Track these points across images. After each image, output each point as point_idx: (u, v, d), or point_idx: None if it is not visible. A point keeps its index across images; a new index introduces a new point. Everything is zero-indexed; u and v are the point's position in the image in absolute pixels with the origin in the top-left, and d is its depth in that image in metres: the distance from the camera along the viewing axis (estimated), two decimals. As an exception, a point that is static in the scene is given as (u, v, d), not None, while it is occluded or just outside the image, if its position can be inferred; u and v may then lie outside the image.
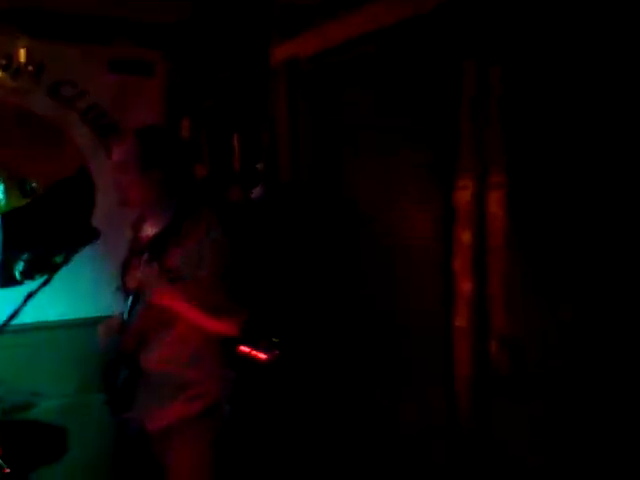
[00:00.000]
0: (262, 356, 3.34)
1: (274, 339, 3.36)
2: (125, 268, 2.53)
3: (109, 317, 2.55)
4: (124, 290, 2.51)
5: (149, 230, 2.46)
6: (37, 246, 3.62)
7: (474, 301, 2.40)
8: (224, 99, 3.89)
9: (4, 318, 2.15)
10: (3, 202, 3.59)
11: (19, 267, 3.61)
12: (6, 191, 3.59)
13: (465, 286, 2.40)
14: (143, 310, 2.32)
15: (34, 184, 3.65)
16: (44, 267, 2.15)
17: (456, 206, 2.40)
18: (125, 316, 2.39)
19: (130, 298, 2.39)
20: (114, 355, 2.42)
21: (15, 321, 2.11)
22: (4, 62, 2.72)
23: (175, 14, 3.71)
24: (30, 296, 2.09)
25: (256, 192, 3.40)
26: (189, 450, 2.36)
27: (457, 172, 2.38)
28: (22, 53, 2.68)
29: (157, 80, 3.91)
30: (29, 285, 3.52)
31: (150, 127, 2.54)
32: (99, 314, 3.32)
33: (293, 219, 3.29)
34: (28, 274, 3.56)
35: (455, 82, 2.36)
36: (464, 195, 2.37)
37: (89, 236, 2.33)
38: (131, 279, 2.44)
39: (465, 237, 2.38)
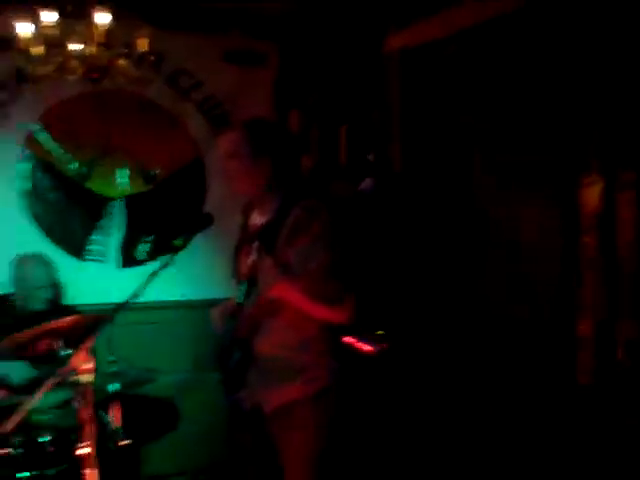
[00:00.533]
0: (367, 348, 3.33)
1: (379, 332, 3.34)
2: (237, 254, 2.60)
3: (223, 301, 2.63)
4: (236, 275, 2.58)
5: (258, 219, 2.50)
6: (159, 228, 3.80)
7: (600, 308, 2.29)
8: (333, 91, 3.89)
9: (126, 296, 2.25)
10: (125, 187, 3.78)
11: (144, 248, 3.81)
12: (128, 177, 3.78)
13: (590, 291, 2.29)
14: (256, 298, 2.38)
15: (157, 171, 3.82)
16: (165, 249, 2.23)
17: (582, 205, 2.29)
18: (239, 301, 2.46)
19: (243, 284, 2.46)
20: (228, 337, 2.50)
21: (137, 300, 2.21)
22: (126, 51, 2.83)
23: (287, 5, 3.74)
24: (153, 276, 2.18)
25: (365, 183, 3.38)
26: (303, 431, 2.39)
27: (584, 168, 2.26)
28: (144, 42, 2.78)
29: (269, 71, 3.99)
30: (147, 266, 3.74)
31: (257, 119, 2.58)
32: (213, 296, 3.47)
33: (405, 211, 3.25)
34: (151, 255, 3.75)
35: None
36: (591, 193, 2.25)
37: (205, 221, 2.40)
38: (243, 265, 2.50)
39: (591, 240, 2.27)
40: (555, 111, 2.45)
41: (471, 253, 2.91)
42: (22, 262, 3.19)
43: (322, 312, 2.35)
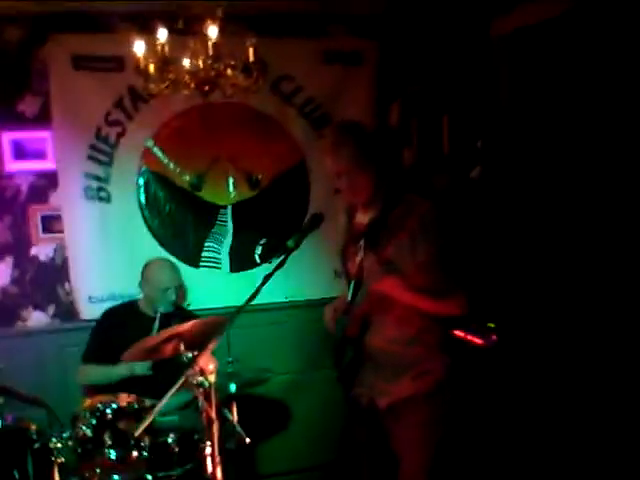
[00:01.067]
0: (478, 341, 3.27)
1: (490, 324, 3.28)
2: (344, 254, 2.62)
3: (334, 299, 2.65)
4: (346, 275, 2.60)
5: (362, 217, 2.52)
6: (268, 232, 3.90)
7: None
8: (433, 81, 3.85)
9: (239, 300, 2.31)
10: (233, 195, 3.90)
11: (257, 251, 3.91)
12: (235, 184, 3.90)
13: None
14: (366, 296, 2.39)
15: (260, 176, 3.92)
16: (277, 251, 2.28)
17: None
18: (349, 300, 2.48)
19: (352, 283, 2.47)
20: (340, 336, 2.52)
21: (252, 302, 2.27)
22: (232, 62, 2.90)
23: (382, 1, 3.72)
24: (268, 278, 2.24)
25: (476, 172, 3.31)
26: (417, 428, 2.41)
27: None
28: (251, 52, 2.84)
29: (367, 68, 3.98)
30: (257, 270, 3.84)
31: (358, 127, 2.58)
32: (321, 296, 3.52)
33: (516, 199, 3.17)
34: (265, 257, 3.85)
35: None
36: None
37: (316, 221, 2.44)
38: (352, 265, 2.52)
39: None
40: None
41: (582, 243, 2.79)
42: (152, 264, 3.38)
43: (430, 305, 2.35)
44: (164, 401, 2.15)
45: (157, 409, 2.20)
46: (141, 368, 3.05)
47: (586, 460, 2.81)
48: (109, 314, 3.38)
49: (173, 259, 3.74)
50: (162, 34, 2.76)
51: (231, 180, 3.88)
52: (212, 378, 2.19)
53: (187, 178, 3.81)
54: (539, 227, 3.06)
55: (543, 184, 3.05)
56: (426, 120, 3.92)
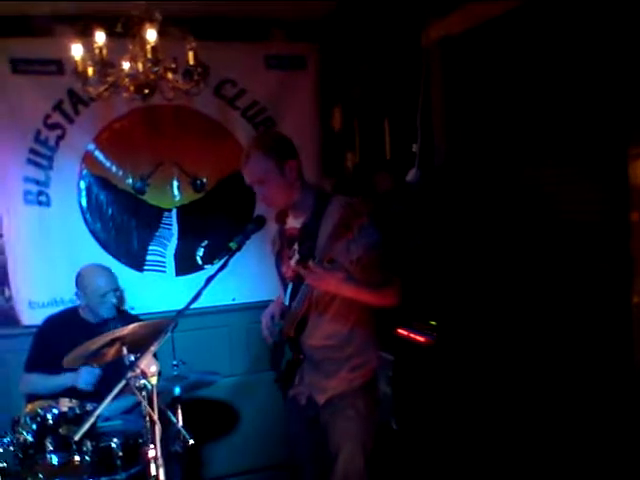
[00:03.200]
0: (420, 339, 3.35)
1: (432, 322, 3.36)
2: (279, 259, 2.67)
3: (269, 304, 2.70)
4: (281, 278, 2.65)
5: (293, 222, 2.58)
6: (212, 234, 3.90)
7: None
8: (373, 85, 3.92)
9: (181, 302, 2.33)
10: (178, 197, 3.90)
11: (199, 253, 3.91)
12: (180, 187, 3.89)
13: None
14: (303, 297, 2.44)
15: (204, 180, 3.92)
16: (220, 253, 2.30)
17: (630, 178, 2.27)
18: (286, 303, 2.53)
19: (289, 286, 2.52)
20: (278, 338, 2.57)
21: (193, 305, 2.29)
22: (173, 65, 2.91)
23: (325, 6, 3.78)
24: (210, 280, 2.25)
25: (411, 174, 3.40)
26: (355, 419, 2.48)
27: (631, 139, 2.23)
28: (191, 55, 2.86)
29: (310, 73, 4.04)
30: (203, 273, 3.84)
31: (261, 133, 2.62)
32: (266, 298, 3.54)
33: (450, 200, 3.26)
34: (208, 259, 3.85)
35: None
36: (638, 166, 2.23)
37: (259, 223, 2.47)
38: (287, 269, 2.58)
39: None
40: (600, 84, 2.43)
41: (519, 239, 2.91)
42: (85, 272, 3.33)
43: (370, 297, 2.42)
44: (104, 404, 2.14)
45: (97, 412, 2.19)
46: (84, 382, 3.03)
47: (524, 454, 2.90)
48: (50, 322, 3.33)
49: (117, 263, 3.72)
50: (100, 37, 2.75)
51: (175, 183, 3.88)
52: (154, 381, 2.19)
53: (130, 181, 3.79)
54: (476, 227, 3.16)
55: (480, 185, 3.15)
56: (368, 123, 3.99)
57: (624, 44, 2.29)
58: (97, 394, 2.83)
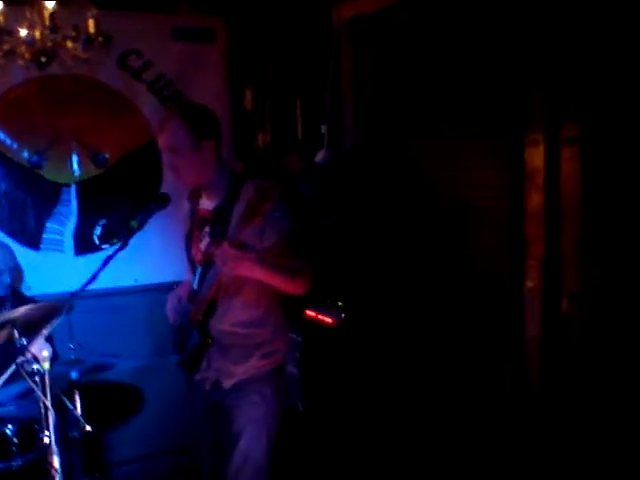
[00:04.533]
0: (328, 320, 3.39)
1: (339, 303, 3.39)
2: (188, 240, 2.61)
3: (176, 286, 2.63)
4: (190, 261, 2.59)
5: (206, 203, 2.52)
6: (113, 212, 3.76)
7: (545, 262, 2.37)
8: (285, 65, 3.89)
9: (82, 283, 2.24)
10: (78, 173, 3.72)
11: (97, 232, 3.76)
12: (80, 162, 3.72)
13: (536, 249, 2.37)
14: (213, 280, 2.40)
15: (106, 155, 3.77)
16: (120, 232, 2.22)
17: (526, 164, 2.35)
18: (195, 286, 2.47)
19: (198, 269, 2.47)
20: (185, 321, 2.51)
21: (93, 286, 2.20)
22: (73, 34, 2.77)
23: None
24: (108, 260, 2.18)
25: (319, 156, 3.40)
26: (261, 404, 2.48)
27: (527, 126, 2.31)
28: (91, 24, 2.73)
29: (219, 47, 3.94)
30: (104, 252, 3.70)
31: (190, 103, 2.55)
32: (171, 279, 3.46)
33: (357, 182, 3.29)
34: (106, 239, 3.71)
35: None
36: (535, 152, 2.31)
37: (162, 201, 2.40)
38: (196, 251, 2.52)
39: (536, 199, 2.33)
40: (497, 68, 2.50)
41: (422, 221, 2.97)
42: None
43: (283, 283, 2.40)
44: (-6, 390, 2.04)
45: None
46: None
47: (427, 434, 2.99)
48: None
49: (11, 241, 3.52)
50: (-5, 3, 2.59)
51: (75, 158, 3.70)
52: (46, 365, 2.10)
53: (26, 155, 3.59)
54: (384, 210, 3.20)
55: (386, 167, 3.19)
56: (279, 104, 3.96)
57: (525, 30, 2.36)
58: None
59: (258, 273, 2.33)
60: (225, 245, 2.25)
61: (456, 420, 2.88)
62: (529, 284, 2.43)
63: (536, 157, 2.31)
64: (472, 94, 2.62)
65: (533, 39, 2.31)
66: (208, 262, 2.40)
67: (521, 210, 2.40)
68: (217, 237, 2.36)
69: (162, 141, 2.42)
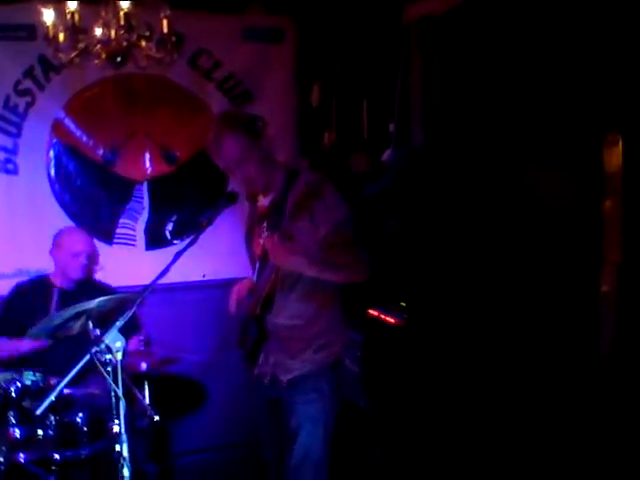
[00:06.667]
0: (391, 320, 3.36)
1: (402, 303, 3.37)
2: (249, 237, 2.66)
3: (239, 281, 2.67)
4: (251, 256, 2.62)
5: (263, 200, 2.56)
6: (183, 209, 3.84)
7: (621, 267, 2.29)
8: (352, 63, 3.88)
9: (151, 277, 2.29)
10: (150, 170, 3.82)
11: (169, 228, 3.85)
12: (152, 160, 3.82)
13: (613, 253, 2.29)
14: (269, 275, 2.43)
15: (177, 152, 3.85)
16: (190, 228, 2.27)
17: (604, 166, 2.27)
18: (255, 280, 2.51)
19: (257, 264, 2.50)
20: (245, 315, 2.55)
21: (162, 281, 2.25)
22: (147, 33, 2.84)
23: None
24: (179, 256, 2.22)
25: (386, 155, 3.38)
26: (317, 400, 2.49)
27: (605, 125, 2.23)
28: (165, 24, 2.79)
29: (287, 47, 3.97)
30: (169, 250, 3.78)
31: (224, 114, 2.55)
32: (238, 275, 3.51)
33: (426, 181, 3.25)
34: (177, 235, 3.79)
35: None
36: (613, 153, 2.23)
37: (230, 199, 2.43)
38: (256, 246, 2.56)
39: (614, 202, 2.25)
40: (574, 66, 2.43)
41: (491, 223, 2.91)
42: (63, 231, 3.29)
43: (336, 277, 2.43)
44: (67, 379, 2.11)
45: (60, 387, 2.15)
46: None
47: (492, 434, 2.93)
48: (18, 289, 3.27)
49: (86, 234, 3.64)
50: (72, 3, 2.69)
51: (147, 155, 3.80)
52: (119, 356, 2.15)
53: (101, 152, 3.70)
54: (451, 211, 3.16)
55: (456, 168, 3.15)
56: (346, 102, 3.95)
57: (603, 33, 2.29)
58: (61, 359, 2.78)
59: (305, 268, 2.36)
60: (274, 238, 2.28)
61: (526, 424, 2.81)
62: (604, 288, 2.35)
63: (614, 158, 2.23)
64: (548, 92, 2.55)
65: (614, 36, 2.23)
66: (265, 256, 2.44)
67: (598, 213, 2.32)
68: (272, 231, 2.39)
69: (225, 159, 2.44)
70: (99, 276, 3.50)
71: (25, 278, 3.40)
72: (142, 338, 3.03)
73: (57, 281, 3.25)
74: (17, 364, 2.92)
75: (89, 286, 3.25)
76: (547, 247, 2.66)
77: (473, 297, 3.07)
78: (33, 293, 3.22)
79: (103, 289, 3.23)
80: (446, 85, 3.16)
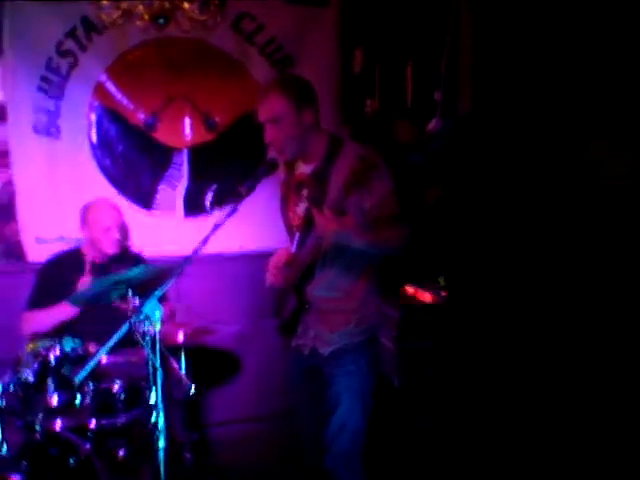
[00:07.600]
0: (427, 297, 3.30)
1: (440, 280, 3.29)
2: (284, 205, 2.60)
3: (276, 252, 2.62)
4: (287, 225, 2.57)
5: (303, 167, 2.49)
6: (223, 177, 3.79)
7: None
8: (397, 27, 3.75)
9: (192, 246, 2.26)
10: (190, 137, 3.77)
11: (208, 198, 3.82)
12: (192, 125, 3.76)
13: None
14: (312, 246, 2.38)
15: (217, 119, 3.79)
16: (229, 197, 2.22)
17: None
18: (293, 250, 2.46)
19: (296, 234, 2.45)
20: (284, 286, 2.51)
21: (202, 250, 2.21)
22: (190, -6, 2.79)
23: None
24: (218, 226, 2.18)
25: (432, 124, 3.27)
26: (357, 373, 2.47)
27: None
28: (207, -16, 2.73)
29: (331, 10, 3.86)
30: (212, 216, 3.75)
31: (286, 74, 2.50)
32: (272, 247, 3.46)
33: (473, 153, 3.13)
34: (217, 204, 3.76)
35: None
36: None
37: (270, 167, 2.39)
38: (294, 215, 2.51)
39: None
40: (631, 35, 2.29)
41: (540, 198, 2.80)
42: (89, 207, 3.23)
43: (379, 250, 2.39)
44: (106, 348, 2.11)
45: (99, 356, 2.16)
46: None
47: (528, 418, 2.87)
48: (53, 261, 3.24)
49: (125, 201, 3.62)
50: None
51: (187, 120, 3.74)
52: (158, 326, 2.14)
53: (142, 116, 3.67)
54: (501, 184, 3.04)
55: (507, 139, 3.02)
56: (390, 68, 3.84)
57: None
58: (101, 327, 2.78)
59: (353, 242, 2.31)
60: (327, 213, 2.22)
61: (560, 409, 2.73)
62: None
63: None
64: (611, 58, 2.39)
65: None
66: (307, 227, 2.38)
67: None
68: (315, 201, 2.34)
69: (263, 113, 2.40)
70: (137, 243, 3.51)
71: (65, 245, 3.40)
72: (168, 309, 3.01)
73: (90, 255, 3.22)
74: (56, 331, 2.94)
75: (123, 257, 3.21)
76: (597, 226, 2.55)
77: (519, 279, 2.96)
78: (68, 266, 3.19)
79: (137, 259, 3.21)
80: (499, 49, 3.01)
